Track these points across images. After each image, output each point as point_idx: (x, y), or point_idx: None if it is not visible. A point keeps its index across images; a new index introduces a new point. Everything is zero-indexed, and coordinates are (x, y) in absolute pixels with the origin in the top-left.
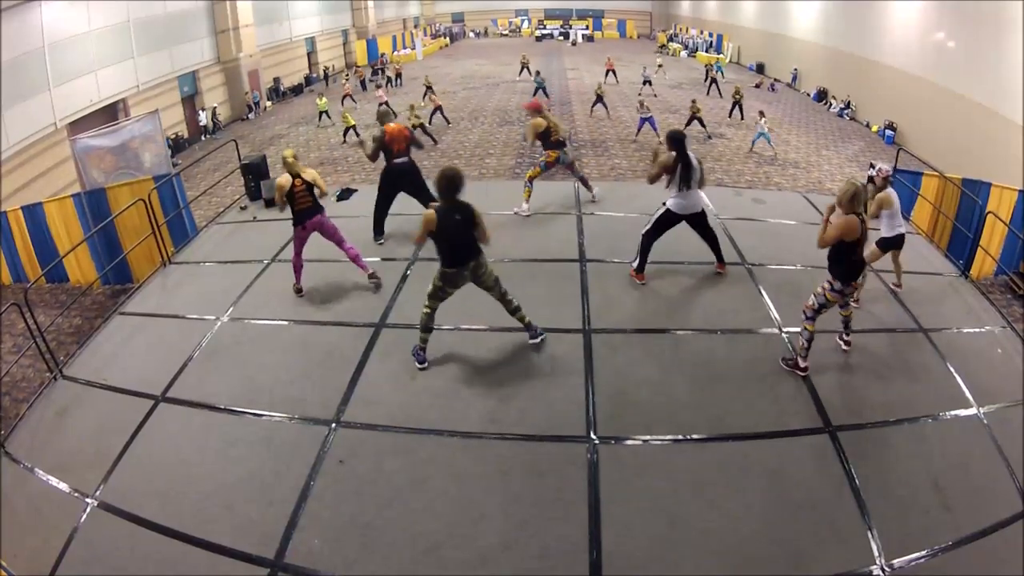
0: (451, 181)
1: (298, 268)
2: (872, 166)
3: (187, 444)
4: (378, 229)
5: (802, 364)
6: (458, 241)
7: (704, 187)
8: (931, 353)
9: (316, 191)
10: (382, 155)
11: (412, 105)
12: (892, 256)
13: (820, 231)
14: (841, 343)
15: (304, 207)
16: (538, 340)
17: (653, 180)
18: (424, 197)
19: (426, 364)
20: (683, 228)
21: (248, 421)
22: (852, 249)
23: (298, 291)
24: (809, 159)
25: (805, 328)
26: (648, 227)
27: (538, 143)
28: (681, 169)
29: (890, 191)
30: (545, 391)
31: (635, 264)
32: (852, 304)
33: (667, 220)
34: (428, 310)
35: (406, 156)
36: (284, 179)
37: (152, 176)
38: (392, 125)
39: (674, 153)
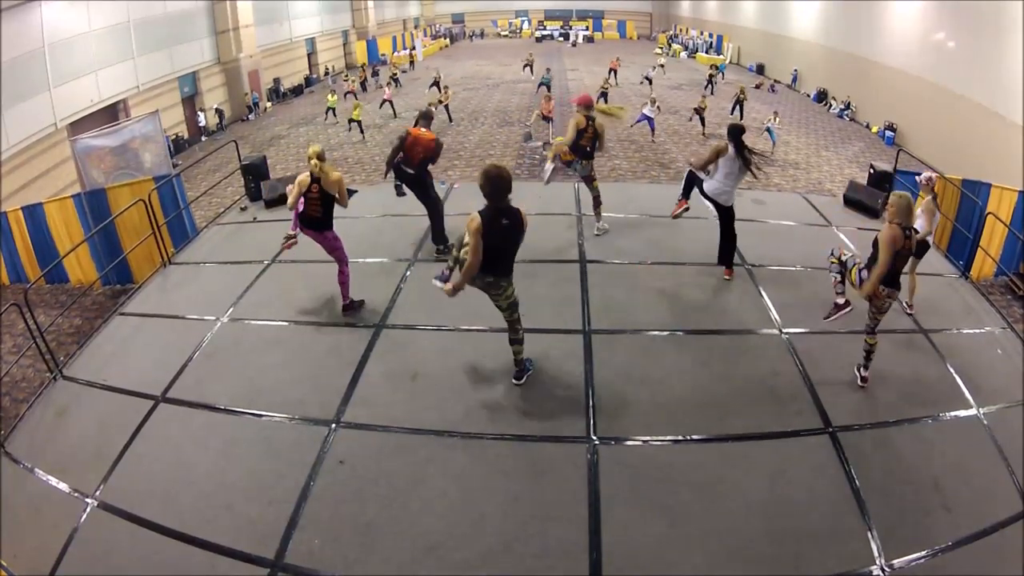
0: (495, 182)
1: (298, 215)
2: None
3: (187, 444)
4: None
5: (840, 301)
6: (500, 250)
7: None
8: (931, 353)
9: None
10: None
11: (431, 103)
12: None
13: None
14: (858, 375)
15: (311, 216)
16: (520, 382)
17: (702, 167)
18: (430, 206)
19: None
20: (684, 227)
21: (248, 421)
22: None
23: (289, 237)
24: (809, 160)
25: (830, 262)
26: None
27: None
28: (740, 161)
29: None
30: (545, 391)
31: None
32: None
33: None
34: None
35: (415, 169)
36: (303, 178)
37: (152, 176)
38: (420, 130)
39: (729, 143)
